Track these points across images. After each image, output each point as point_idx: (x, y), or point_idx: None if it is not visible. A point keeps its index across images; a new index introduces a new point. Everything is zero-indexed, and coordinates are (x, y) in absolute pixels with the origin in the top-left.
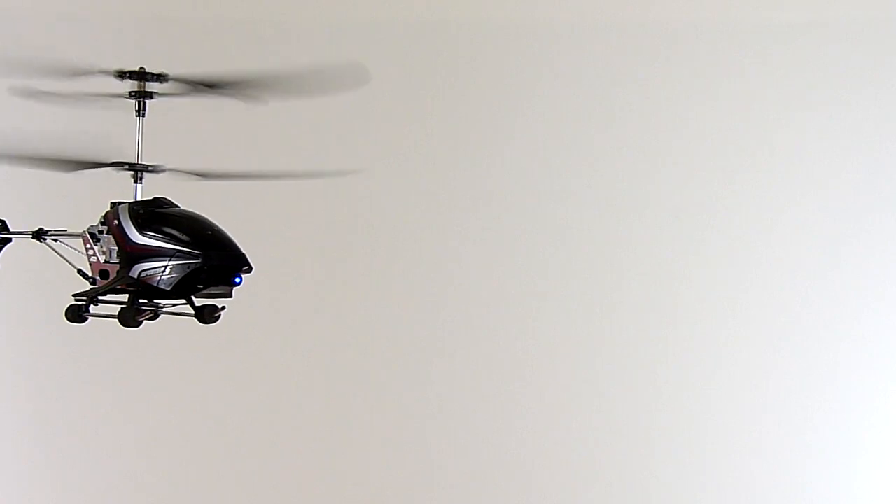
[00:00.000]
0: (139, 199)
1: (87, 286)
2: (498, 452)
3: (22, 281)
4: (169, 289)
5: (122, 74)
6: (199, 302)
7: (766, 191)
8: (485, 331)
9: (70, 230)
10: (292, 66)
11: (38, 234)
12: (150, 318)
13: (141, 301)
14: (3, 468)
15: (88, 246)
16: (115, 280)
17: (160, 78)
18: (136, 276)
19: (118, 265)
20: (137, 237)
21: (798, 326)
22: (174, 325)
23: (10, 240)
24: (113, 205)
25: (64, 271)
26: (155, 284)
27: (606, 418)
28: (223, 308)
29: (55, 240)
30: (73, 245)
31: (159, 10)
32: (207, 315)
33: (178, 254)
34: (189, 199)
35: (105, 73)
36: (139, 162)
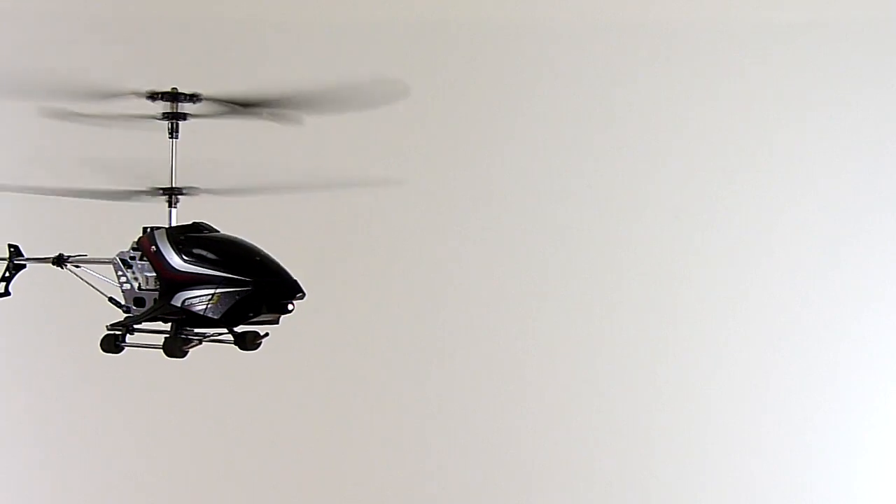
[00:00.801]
0: (175, 223)
1: (110, 312)
2: (498, 452)
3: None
4: (217, 317)
5: (153, 95)
6: (239, 328)
7: (766, 191)
8: (485, 331)
9: (90, 255)
10: (323, 82)
11: (59, 261)
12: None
13: (185, 330)
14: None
15: (120, 273)
16: (155, 309)
17: (193, 98)
18: (178, 305)
19: (155, 293)
20: (179, 264)
21: (798, 326)
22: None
23: (24, 265)
24: (146, 230)
25: (85, 296)
26: (201, 313)
27: (606, 418)
28: (266, 335)
29: (77, 266)
30: (96, 271)
31: (160, 12)
32: (249, 342)
33: (225, 281)
34: (205, 214)
35: (137, 94)
36: (173, 185)
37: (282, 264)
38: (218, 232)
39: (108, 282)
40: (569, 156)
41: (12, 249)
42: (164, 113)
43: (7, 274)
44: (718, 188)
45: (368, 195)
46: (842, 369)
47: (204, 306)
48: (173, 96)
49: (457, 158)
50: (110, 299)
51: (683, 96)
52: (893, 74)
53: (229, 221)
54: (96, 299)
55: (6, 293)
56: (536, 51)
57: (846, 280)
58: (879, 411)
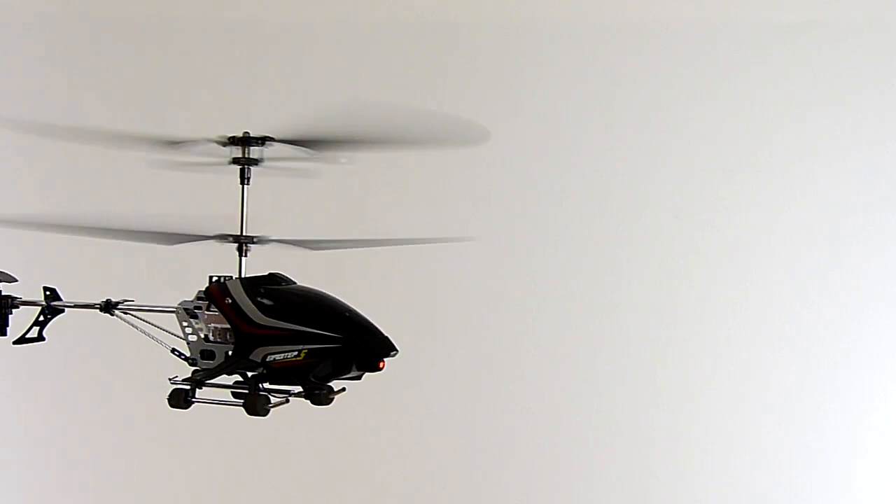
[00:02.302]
0: (245, 273)
1: (160, 363)
2: (498, 452)
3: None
4: (304, 374)
5: (225, 141)
6: None
7: (766, 191)
8: (485, 331)
9: (138, 302)
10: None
11: (108, 307)
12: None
13: (266, 386)
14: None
15: (185, 323)
16: (231, 364)
17: (264, 142)
18: (258, 360)
19: (225, 345)
20: (261, 318)
21: (798, 326)
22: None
23: (62, 310)
24: (214, 279)
25: (131, 345)
26: (287, 370)
27: (606, 418)
28: (342, 390)
29: (126, 313)
30: (149, 319)
31: (161, 10)
32: (324, 398)
33: (313, 337)
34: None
35: (208, 139)
36: (244, 233)
37: (371, 320)
38: (296, 284)
39: (164, 331)
40: (569, 156)
41: (48, 293)
42: (235, 158)
43: (42, 318)
44: (718, 188)
45: (363, 191)
46: (842, 369)
47: (290, 364)
48: (245, 141)
49: (457, 159)
50: (173, 350)
51: (683, 96)
52: (893, 74)
53: (288, 272)
54: (146, 348)
55: (40, 338)
56: (536, 51)
57: (846, 280)
58: (879, 411)
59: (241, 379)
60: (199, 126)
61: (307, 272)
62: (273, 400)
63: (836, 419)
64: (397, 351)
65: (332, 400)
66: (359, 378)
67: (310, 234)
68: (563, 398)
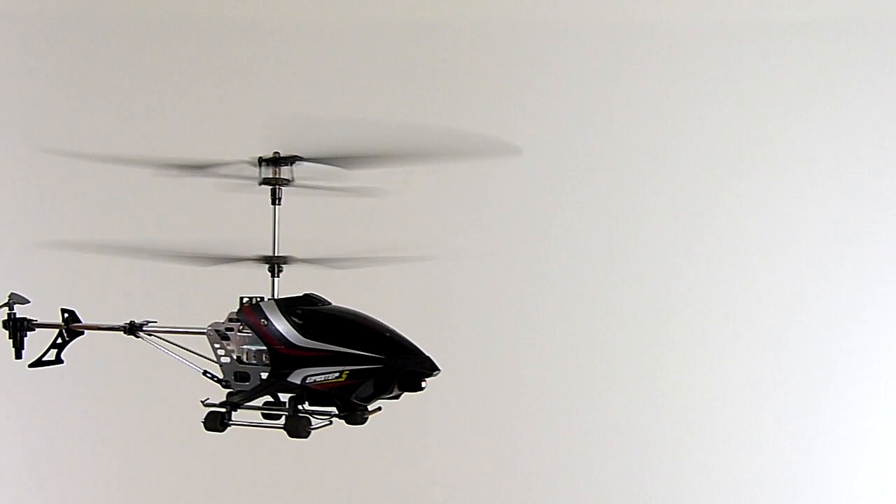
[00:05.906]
0: (278, 294)
1: (186, 385)
2: (498, 453)
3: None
4: (345, 396)
5: (257, 161)
6: None
7: (766, 191)
8: (485, 331)
9: (162, 323)
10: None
11: (132, 329)
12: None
13: (306, 408)
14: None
15: (217, 345)
16: (269, 386)
17: (293, 160)
18: (298, 382)
19: (260, 367)
20: (299, 339)
21: (798, 326)
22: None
23: (81, 332)
24: (246, 301)
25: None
26: (328, 392)
27: (606, 418)
28: (378, 409)
29: (151, 334)
30: (173, 341)
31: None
32: (359, 416)
33: (354, 358)
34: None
35: (239, 160)
36: (276, 254)
37: (412, 339)
38: (331, 304)
39: (192, 352)
40: (569, 156)
41: (66, 315)
42: (265, 179)
43: (60, 340)
44: (718, 188)
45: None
46: (842, 369)
47: (332, 385)
48: (275, 161)
49: (456, 159)
50: (205, 372)
51: (683, 96)
52: (893, 74)
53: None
54: (170, 371)
55: (58, 360)
56: (536, 51)
57: (847, 280)
58: (879, 411)
59: (271, 400)
60: (208, 136)
61: (338, 292)
62: (314, 422)
63: (836, 419)
64: (439, 370)
65: (366, 419)
66: (397, 398)
67: (339, 252)
68: (564, 398)
